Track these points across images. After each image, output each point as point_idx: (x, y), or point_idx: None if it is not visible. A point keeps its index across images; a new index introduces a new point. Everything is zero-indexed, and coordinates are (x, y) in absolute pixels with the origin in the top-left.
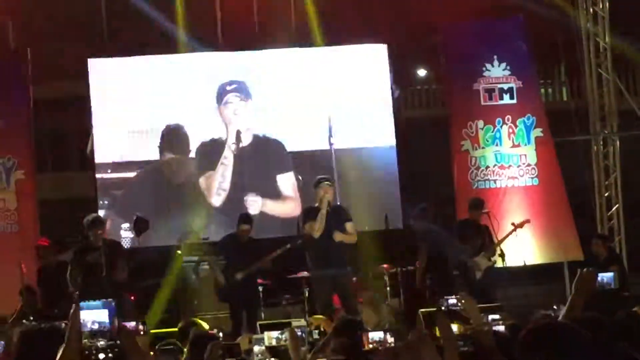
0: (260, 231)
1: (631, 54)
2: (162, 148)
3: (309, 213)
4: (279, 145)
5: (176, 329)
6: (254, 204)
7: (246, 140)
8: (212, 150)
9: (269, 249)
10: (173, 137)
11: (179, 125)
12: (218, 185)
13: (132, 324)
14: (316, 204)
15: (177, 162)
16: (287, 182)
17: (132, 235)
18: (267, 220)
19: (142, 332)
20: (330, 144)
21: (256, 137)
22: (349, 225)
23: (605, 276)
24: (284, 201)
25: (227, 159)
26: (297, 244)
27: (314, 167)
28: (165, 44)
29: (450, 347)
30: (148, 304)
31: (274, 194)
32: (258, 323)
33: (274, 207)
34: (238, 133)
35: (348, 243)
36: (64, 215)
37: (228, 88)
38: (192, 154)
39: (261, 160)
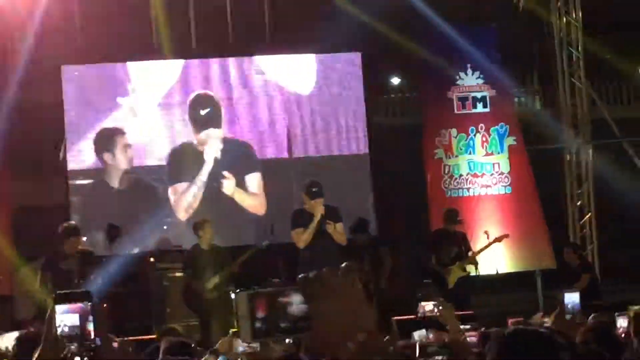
0: (228, 220)
1: (603, 64)
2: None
3: (299, 218)
4: (248, 147)
5: (149, 337)
6: (229, 184)
7: (218, 148)
8: (183, 159)
9: (232, 257)
10: (107, 142)
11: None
12: (188, 204)
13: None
14: (305, 206)
15: (116, 167)
16: (254, 181)
17: (103, 243)
18: (235, 210)
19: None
20: (290, 153)
21: (226, 141)
22: (338, 226)
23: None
24: (252, 196)
25: (202, 182)
26: (262, 247)
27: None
28: (139, 51)
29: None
30: (120, 312)
31: (244, 187)
32: (231, 330)
33: (243, 198)
34: (215, 160)
35: (337, 243)
36: (37, 222)
37: (202, 113)
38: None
39: (232, 163)
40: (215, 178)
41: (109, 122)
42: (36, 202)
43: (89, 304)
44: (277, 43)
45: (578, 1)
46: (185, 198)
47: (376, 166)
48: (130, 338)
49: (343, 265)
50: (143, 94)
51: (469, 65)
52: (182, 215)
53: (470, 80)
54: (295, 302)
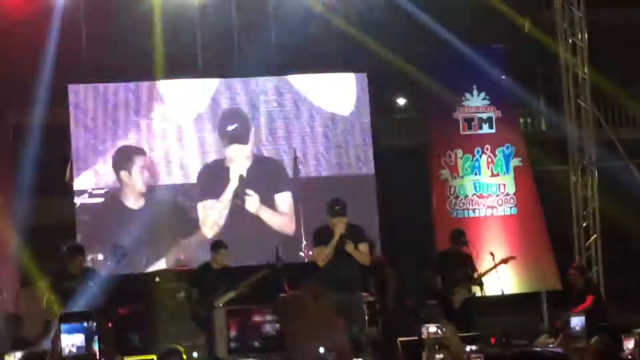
0: (253, 238)
1: (608, 86)
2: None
3: (321, 235)
4: (279, 165)
5: (154, 356)
6: (252, 202)
7: (244, 165)
8: (212, 175)
9: (244, 276)
10: (126, 160)
11: (136, 148)
12: (214, 222)
13: None
14: (328, 224)
15: (132, 186)
16: (284, 200)
17: (108, 262)
18: (260, 228)
19: None
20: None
21: (255, 159)
22: (361, 246)
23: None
24: (280, 215)
25: (227, 199)
26: (275, 269)
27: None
28: (145, 70)
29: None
30: (125, 332)
31: (272, 206)
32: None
33: (270, 216)
34: (241, 177)
35: (360, 263)
36: (44, 241)
37: (229, 129)
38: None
39: (260, 181)
40: (239, 196)
41: (125, 141)
42: (43, 220)
43: (94, 324)
44: (281, 62)
45: (584, 23)
46: (211, 215)
47: (382, 187)
48: (133, 358)
49: (317, 286)
50: (169, 113)
51: (474, 86)
52: (209, 232)
53: (475, 101)
54: (269, 321)
